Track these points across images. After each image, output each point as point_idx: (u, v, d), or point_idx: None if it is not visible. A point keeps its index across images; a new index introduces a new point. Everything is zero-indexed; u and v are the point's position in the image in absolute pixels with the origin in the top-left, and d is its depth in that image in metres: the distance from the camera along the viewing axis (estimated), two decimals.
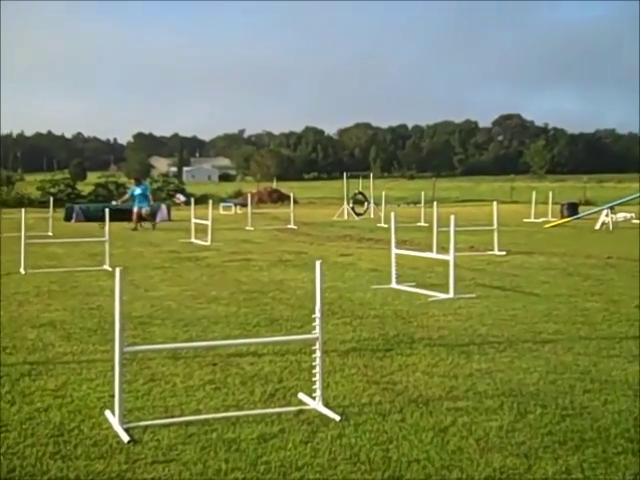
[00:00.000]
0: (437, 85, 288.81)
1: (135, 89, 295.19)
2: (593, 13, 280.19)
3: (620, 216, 28.12)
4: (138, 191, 27.40)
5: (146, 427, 5.36)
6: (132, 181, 32.00)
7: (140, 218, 26.83)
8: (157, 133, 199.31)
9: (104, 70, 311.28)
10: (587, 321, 9.38)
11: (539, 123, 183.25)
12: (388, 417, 5.64)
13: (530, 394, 6.22)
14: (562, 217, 31.08)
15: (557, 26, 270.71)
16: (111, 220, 16.09)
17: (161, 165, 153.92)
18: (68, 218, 32.33)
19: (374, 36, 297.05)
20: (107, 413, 5.63)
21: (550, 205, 33.84)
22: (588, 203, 45.37)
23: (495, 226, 18.03)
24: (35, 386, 6.47)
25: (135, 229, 26.11)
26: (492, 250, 17.68)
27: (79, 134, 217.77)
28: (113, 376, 5.56)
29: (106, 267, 14.53)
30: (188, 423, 5.45)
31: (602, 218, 27.51)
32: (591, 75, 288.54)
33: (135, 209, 27.02)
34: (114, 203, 31.06)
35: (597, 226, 27.12)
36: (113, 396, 5.53)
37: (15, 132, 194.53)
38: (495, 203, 18.78)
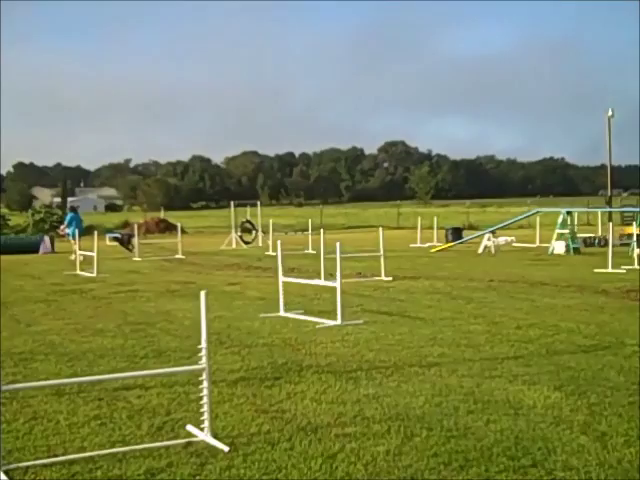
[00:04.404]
0: (324, 113, 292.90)
1: (15, 116, 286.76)
2: (479, 50, 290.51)
3: (501, 240, 29.00)
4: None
5: (27, 468, 5.18)
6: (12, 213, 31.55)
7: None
8: (39, 163, 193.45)
9: None
10: (470, 343, 9.63)
11: (423, 149, 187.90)
12: (277, 446, 5.64)
13: (416, 417, 6.32)
14: (447, 242, 31.86)
15: (445, 58, 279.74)
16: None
17: (44, 196, 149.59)
18: None
19: (263, 65, 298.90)
20: None
21: (435, 230, 34.59)
22: (471, 227, 46.67)
23: (381, 252, 18.30)
24: None
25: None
26: (379, 276, 17.93)
27: None
28: None
29: None
30: (72, 462, 5.30)
31: (484, 242, 28.37)
32: (474, 105, 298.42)
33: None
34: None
35: (480, 250, 27.92)
36: None
37: None
38: (381, 229, 19.06)
